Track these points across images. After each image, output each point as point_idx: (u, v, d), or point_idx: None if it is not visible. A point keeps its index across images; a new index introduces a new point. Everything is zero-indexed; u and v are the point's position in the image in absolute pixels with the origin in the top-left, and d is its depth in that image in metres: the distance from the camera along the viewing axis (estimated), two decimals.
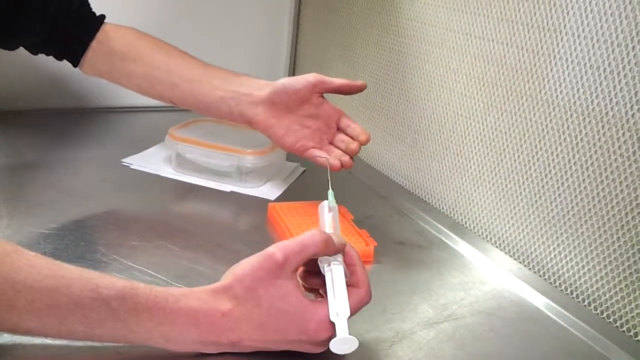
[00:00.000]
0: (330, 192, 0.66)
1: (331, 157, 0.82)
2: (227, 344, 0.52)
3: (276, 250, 0.52)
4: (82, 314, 0.48)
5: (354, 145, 0.83)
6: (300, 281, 0.57)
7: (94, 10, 0.89)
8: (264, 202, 0.88)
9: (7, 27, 0.83)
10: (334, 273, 0.54)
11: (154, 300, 0.50)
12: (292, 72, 1.41)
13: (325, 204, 0.64)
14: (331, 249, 0.54)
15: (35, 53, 0.90)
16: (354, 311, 0.53)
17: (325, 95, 0.84)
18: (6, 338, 0.52)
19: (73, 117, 1.18)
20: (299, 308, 0.52)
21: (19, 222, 0.74)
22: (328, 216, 0.63)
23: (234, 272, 0.53)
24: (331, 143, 0.85)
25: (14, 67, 1.13)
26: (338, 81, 0.82)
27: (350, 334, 0.51)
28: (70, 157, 0.97)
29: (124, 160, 0.97)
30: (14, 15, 0.82)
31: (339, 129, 0.85)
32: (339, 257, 0.56)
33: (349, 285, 0.55)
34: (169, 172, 0.95)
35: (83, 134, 1.11)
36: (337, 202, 0.87)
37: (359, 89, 0.82)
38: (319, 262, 0.55)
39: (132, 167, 0.95)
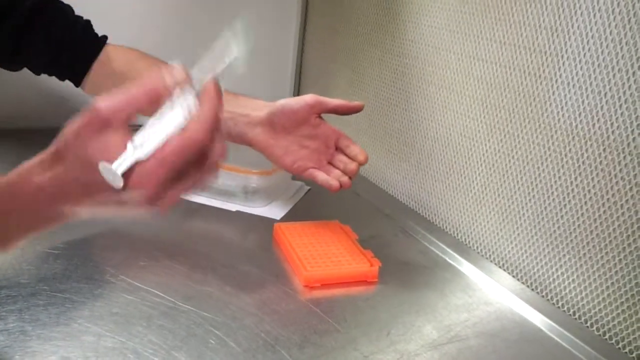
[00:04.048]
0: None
1: (330, 177, 0.83)
2: (61, 208, 0.50)
3: (102, 104, 0.48)
4: None
5: (352, 165, 0.83)
6: None
7: (98, 30, 0.91)
8: (270, 221, 0.89)
9: (12, 49, 0.85)
10: (165, 107, 0.48)
11: None
12: (297, 93, 1.43)
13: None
14: (166, 93, 0.48)
15: (38, 73, 0.91)
16: (175, 156, 0.46)
17: (327, 116, 0.85)
18: None
19: None
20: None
21: (28, 242, 0.75)
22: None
23: (63, 133, 0.50)
24: (330, 163, 0.86)
25: (21, 86, 1.14)
26: (335, 102, 0.83)
27: (354, 354, 0.49)
28: None
29: None
30: (19, 38, 0.84)
31: (338, 150, 0.86)
32: (186, 97, 0.48)
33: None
34: None
35: None
36: (342, 221, 0.89)
37: (356, 110, 0.83)
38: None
39: None
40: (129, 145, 0.46)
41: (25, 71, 0.90)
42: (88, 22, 0.90)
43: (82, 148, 0.47)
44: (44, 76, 0.92)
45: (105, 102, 0.48)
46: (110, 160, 0.46)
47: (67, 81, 0.91)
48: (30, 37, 0.84)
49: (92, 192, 0.49)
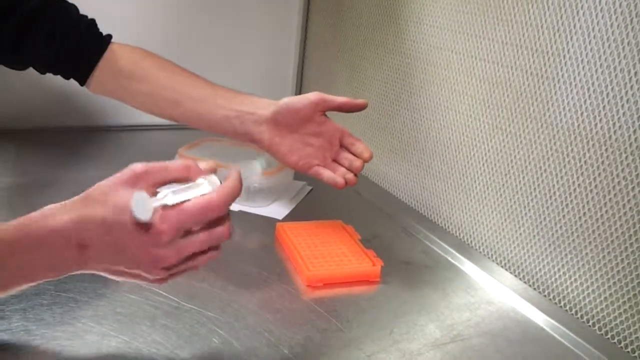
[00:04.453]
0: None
1: (336, 174, 0.83)
2: (76, 253, 0.52)
3: (139, 163, 0.54)
4: None
5: (357, 162, 0.84)
6: None
7: (101, 30, 0.91)
8: (272, 221, 0.89)
9: (17, 49, 0.85)
10: (194, 182, 0.55)
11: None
12: (299, 92, 1.43)
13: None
14: (194, 173, 0.55)
15: (43, 72, 0.91)
16: (196, 210, 0.52)
17: (331, 115, 0.85)
18: None
19: (83, 136, 1.19)
20: None
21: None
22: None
23: (97, 184, 0.54)
24: (335, 160, 0.86)
25: (25, 86, 1.15)
26: (339, 99, 0.83)
27: (357, 354, 0.50)
28: (81, 176, 0.98)
29: None
30: (24, 36, 0.84)
31: (343, 147, 0.86)
32: (211, 177, 0.56)
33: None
34: None
35: (93, 152, 1.13)
36: (344, 221, 0.89)
37: (360, 107, 0.84)
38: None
39: None
40: (163, 190, 0.52)
41: (30, 71, 0.90)
42: (92, 21, 0.90)
43: (113, 193, 0.52)
44: (48, 75, 0.92)
45: (141, 164, 0.54)
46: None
47: (71, 80, 0.92)
48: (35, 35, 0.85)
49: (111, 232, 0.51)
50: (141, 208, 0.50)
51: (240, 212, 0.92)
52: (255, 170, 0.62)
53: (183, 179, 0.55)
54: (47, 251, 0.52)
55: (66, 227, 0.51)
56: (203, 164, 0.57)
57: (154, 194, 0.53)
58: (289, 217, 0.93)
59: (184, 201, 0.52)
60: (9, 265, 0.51)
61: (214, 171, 0.57)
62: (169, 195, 0.51)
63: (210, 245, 0.55)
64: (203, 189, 0.54)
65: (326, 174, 0.83)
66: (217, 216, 0.54)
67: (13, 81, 1.12)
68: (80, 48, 0.88)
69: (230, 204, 0.55)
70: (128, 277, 0.55)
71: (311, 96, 0.83)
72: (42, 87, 1.15)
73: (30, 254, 0.52)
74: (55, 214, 0.52)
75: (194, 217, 0.52)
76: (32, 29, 0.84)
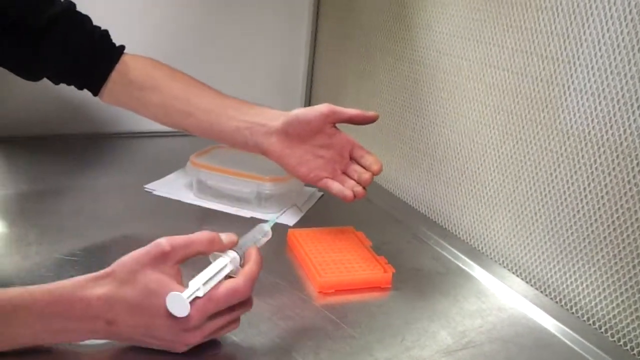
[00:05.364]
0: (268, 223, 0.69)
1: (344, 187, 0.84)
2: (103, 326, 0.55)
3: (164, 240, 0.56)
4: None
5: (366, 175, 0.84)
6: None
7: (114, 41, 0.92)
8: (283, 227, 0.90)
9: (31, 60, 0.86)
10: (213, 262, 0.59)
11: (22, 300, 0.54)
12: (308, 100, 1.44)
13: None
14: (217, 247, 0.59)
15: (57, 83, 0.92)
16: (224, 298, 0.56)
17: (340, 125, 0.86)
18: None
19: (95, 143, 1.20)
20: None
21: (47, 249, 0.76)
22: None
23: (121, 258, 0.56)
24: (344, 173, 0.86)
25: (37, 94, 1.16)
26: (350, 111, 0.83)
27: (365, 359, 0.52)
28: (93, 183, 0.99)
29: (146, 186, 0.99)
30: (38, 48, 0.85)
31: (353, 159, 0.86)
32: (232, 254, 0.60)
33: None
34: (190, 197, 0.97)
35: (105, 159, 1.14)
36: (355, 227, 0.89)
37: (371, 120, 0.84)
38: (209, 257, 0.60)
39: (154, 193, 0.97)
40: (194, 283, 0.55)
41: (45, 80, 0.91)
42: (106, 31, 0.91)
43: (142, 274, 0.55)
44: (61, 84, 0.93)
45: (168, 240, 0.56)
46: (173, 291, 0.54)
47: (84, 90, 0.93)
48: (50, 46, 0.86)
49: (142, 316, 0.55)
50: (177, 306, 0.53)
51: (252, 218, 0.93)
52: (266, 233, 0.67)
53: (206, 252, 0.59)
54: (74, 321, 0.54)
55: (96, 304, 0.54)
56: (224, 237, 0.60)
57: (181, 280, 0.56)
58: (300, 224, 0.93)
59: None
60: (37, 327, 0.54)
61: (234, 244, 0.61)
62: (200, 288, 0.55)
63: (234, 318, 0.60)
64: (226, 270, 0.58)
65: (335, 186, 0.84)
66: (244, 297, 0.58)
67: (24, 89, 1.13)
68: (93, 59, 0.89)
69: (253, 287, 0.59)
70: (147, 346, 0.58)
71: (322, 108, 0.83)
72: (53, 94, 1.16)
73: (57, 319, 0.54)
74: (85, 286, 0.55)
75: (221, 303, 0.56)
76: (47, 37, 0.85)
